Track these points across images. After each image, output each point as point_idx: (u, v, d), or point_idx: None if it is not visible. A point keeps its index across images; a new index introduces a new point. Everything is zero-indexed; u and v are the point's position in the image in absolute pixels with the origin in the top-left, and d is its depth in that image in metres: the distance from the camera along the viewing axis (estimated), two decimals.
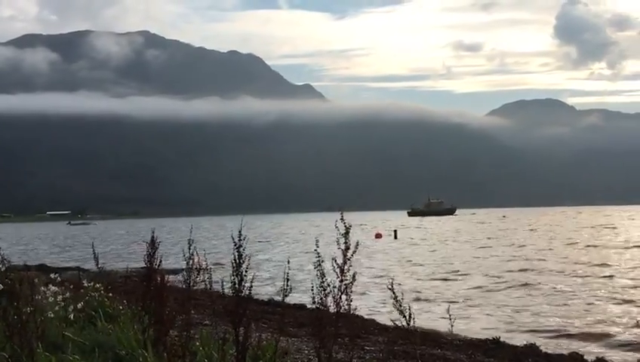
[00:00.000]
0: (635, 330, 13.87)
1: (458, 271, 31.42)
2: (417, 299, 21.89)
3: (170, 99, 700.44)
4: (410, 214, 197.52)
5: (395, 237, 67.20)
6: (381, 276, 29.18)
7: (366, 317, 18.57)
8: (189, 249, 5.80)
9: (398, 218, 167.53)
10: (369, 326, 16.29)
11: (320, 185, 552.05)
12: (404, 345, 11.59)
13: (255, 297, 22.12)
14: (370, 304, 21.31)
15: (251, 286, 4.50)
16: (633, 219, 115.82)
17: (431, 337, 14.06)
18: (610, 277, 27.12)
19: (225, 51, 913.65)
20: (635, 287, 23.74)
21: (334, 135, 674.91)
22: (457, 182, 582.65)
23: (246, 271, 4.41)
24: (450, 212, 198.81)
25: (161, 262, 6.09)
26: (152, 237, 5.99)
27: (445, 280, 28.71)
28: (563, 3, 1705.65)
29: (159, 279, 6.11)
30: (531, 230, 79.70)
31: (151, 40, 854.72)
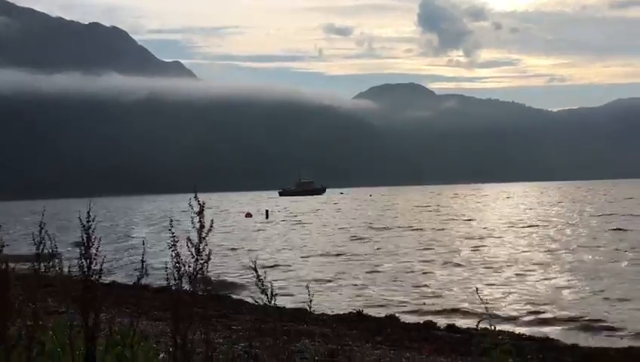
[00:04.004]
0: (477, 301, 15.15)
1: (321, 249, 32.22)
2: (286, 278, 22.24)
3: (25, 73, 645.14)
4: (281, 194, 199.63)
5: (267, 217, 67.91)
6: (248, 254, 29.24)
7: (236, 296, 18.60)
8: (40, 233, 5.39)
9: (270, 198, 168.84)
10: (239, 306, 16.33)
11: (190, 166, 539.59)
12: (271, 323, 11.73)
13: (120, 281, 21.31)
14: (242, 283, 21.34)
15: (101, 270, 4.29)
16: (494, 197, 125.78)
17: (299, 314, 14.40)
18: (453, 255, 29.08)
19: (86, 23, 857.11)
20: (470, 264, 25.75)
21: (205, 115, 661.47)
22: (327, 162, 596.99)
23: (96, 254, 4.20)
24: (320, 192, 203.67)
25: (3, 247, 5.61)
26: None
27: (307, 257, 29.39)
28: None
29: (2, 266, 5.65)
30: (398, 214, 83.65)
31: (0, 6, 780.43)
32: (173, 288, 4.13)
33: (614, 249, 27.92)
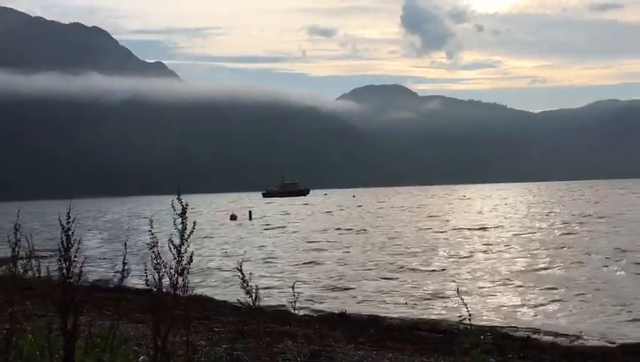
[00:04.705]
0: (458, 303, 15.31)
1: (291, 254, 31.93)
2: (269, 279, 22.18)
3: (4, 73, 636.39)
4: (264, 195, 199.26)
5: (250, 218, 67.84)
6: (234, 256, 29.11)
7: (218, 298, 18.50)
8: (15, 235, 5.30)
9: (253, 199, 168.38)
10: (221, 308, 16.25)
11: (173, 168, 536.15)
12: (253, 324, 11.70)
13: (100, 284, 21.10)
14: (222, 284, 21.24)
15: (81, 272, 4.25)
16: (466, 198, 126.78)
17: (281, 315, 14.38)
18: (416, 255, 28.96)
19: (67, 23, 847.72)
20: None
21: (188, 116, 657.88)
22: (311, 163, 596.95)
23: (75, 256, 4.15)
24: (304, 193, 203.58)
25: None
26: None
27: (273, 259, 29.18)
28: None
29: None
30: (380, 210, 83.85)
31: None
32: (154, 290, 4.11)
33: (583, 252, 27.53)
